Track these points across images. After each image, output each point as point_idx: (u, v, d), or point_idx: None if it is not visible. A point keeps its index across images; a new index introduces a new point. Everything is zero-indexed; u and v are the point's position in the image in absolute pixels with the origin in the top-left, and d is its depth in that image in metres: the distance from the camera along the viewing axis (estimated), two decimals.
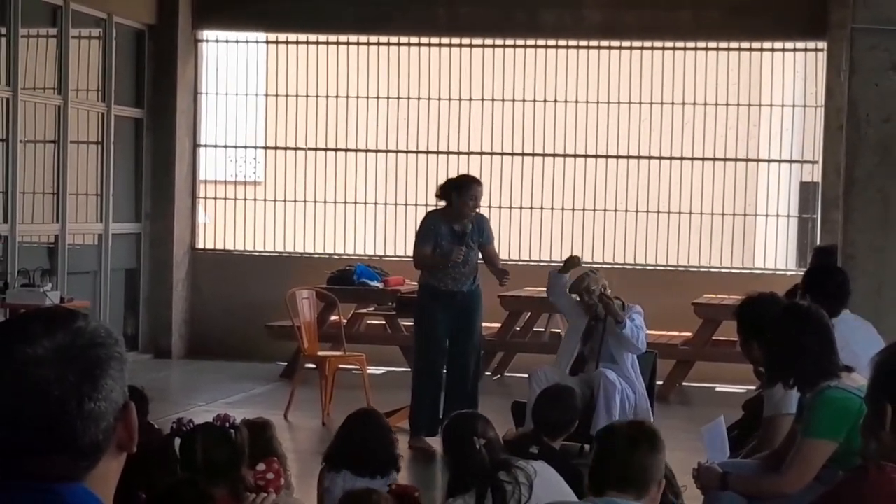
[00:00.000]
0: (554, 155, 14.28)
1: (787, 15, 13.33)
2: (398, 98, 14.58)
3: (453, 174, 14.20)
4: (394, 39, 14.43)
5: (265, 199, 14.92)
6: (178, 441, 4.73)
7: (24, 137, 12.12)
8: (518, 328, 13.12)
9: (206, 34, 14.58)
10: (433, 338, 9.64)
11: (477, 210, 9.64)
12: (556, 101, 14.23)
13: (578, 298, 9.49)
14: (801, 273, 10.22)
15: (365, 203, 14.74)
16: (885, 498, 3.05)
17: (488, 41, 14.25)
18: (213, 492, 4.45)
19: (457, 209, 9.50)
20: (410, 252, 14.35)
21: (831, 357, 5.22)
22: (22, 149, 12.04)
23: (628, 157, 14.15)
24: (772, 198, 14.12)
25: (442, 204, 9.68)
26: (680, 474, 5.47)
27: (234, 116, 14.87)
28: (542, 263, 13.83)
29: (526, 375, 9.44)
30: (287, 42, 14.75)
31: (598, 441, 4.09)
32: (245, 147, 15.37)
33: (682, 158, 14.05)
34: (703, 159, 14.03)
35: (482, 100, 14.37)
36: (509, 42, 14.22)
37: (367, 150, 14.76)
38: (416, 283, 12.60)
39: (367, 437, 5.75)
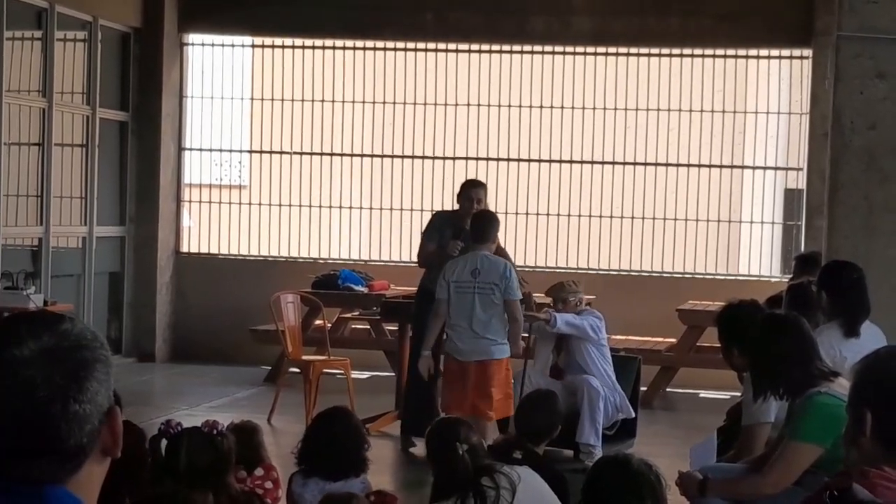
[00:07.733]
0: (540, 160, 14.28)
1: (774, 22, 13.36)
2: (384, 102, 14.56)
3: (439, 179, 14.31)
4: (381, 44, 14.41)
5: (250, 203, 14.89)
6: (164, 442, 4.73)
7: (8, 140, 12.09)
8: None
9: (192, 37, 14.56)
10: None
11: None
12: (542, 106, 14.24)
13: (553, 305, 9.59)
14: (785, 280, 10.26)
15: (350, 207, 14.72)
16: None
17: (476, 46, 14.25)
18: (198, 498, 4.43)
19: (462, 209, 9.62)
20: (395, 257, 14.51)
21: (815, 362, 5.23)
22: (6, 151, 12.01)
23: (614, 162, 14.15)
24: (756, 204, 14.14)
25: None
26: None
27: (220, 120, 14.84)
28: (526, 269, 13.85)
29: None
30: (273, 46, 14.73)
31: None
32: (230, 151, 15.33)
33: (667, 165, 14.07)
34: (689, 166, 14.05)
35: (468, 105, 14.36)
36: (496, 48, 14.22)
37: (352, 155, 14.75)
38: (400, 289, 12.67)
39: (335, 435, 5.70)
